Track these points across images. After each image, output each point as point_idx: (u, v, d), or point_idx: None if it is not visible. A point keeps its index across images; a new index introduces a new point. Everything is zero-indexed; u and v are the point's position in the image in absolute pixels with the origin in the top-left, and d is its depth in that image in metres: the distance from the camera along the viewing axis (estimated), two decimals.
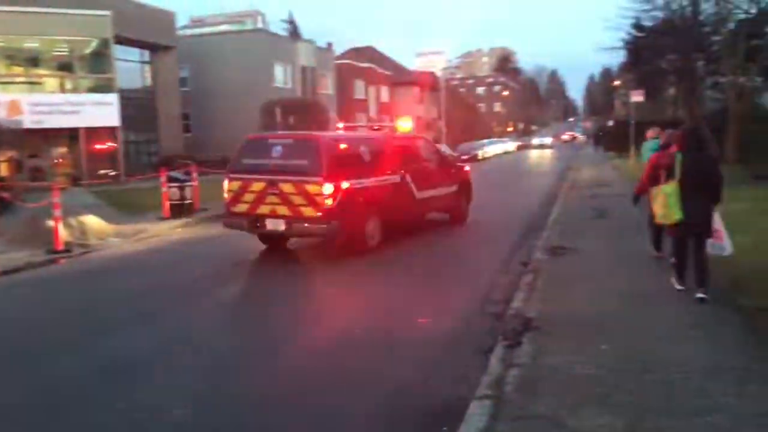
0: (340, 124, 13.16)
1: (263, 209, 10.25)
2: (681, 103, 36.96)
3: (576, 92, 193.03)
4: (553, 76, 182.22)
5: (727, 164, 24.79)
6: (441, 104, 63.23)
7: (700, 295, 6.66)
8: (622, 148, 35.21)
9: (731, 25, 27.72)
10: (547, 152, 59.93)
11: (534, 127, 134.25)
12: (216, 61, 37.77)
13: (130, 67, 31.62)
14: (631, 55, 36.70)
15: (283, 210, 10.09)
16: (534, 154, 55.67)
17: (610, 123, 55.89)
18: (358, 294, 8.20)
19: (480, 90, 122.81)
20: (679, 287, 7.07)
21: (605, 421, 4.07)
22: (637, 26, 35.56)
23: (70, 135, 26.52)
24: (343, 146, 10.69)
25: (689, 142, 6.87)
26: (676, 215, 6.77)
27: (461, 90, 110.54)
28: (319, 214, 9.86)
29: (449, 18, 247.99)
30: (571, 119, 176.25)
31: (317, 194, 9.85)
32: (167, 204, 16.29)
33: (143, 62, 32.93)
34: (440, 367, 5.47)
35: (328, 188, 9.86)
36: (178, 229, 15.03)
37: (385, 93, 59.29)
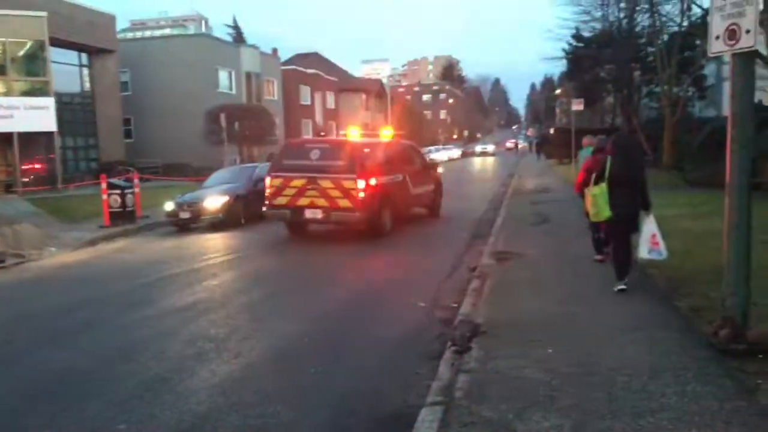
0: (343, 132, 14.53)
1: (303, 201, 12.53)
2: (619, 111, 38.20)
3: (519, 101, 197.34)
4: (497, 85, 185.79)
5: (664, 171, 25.72)
6: (387, 111, 63.57)
7: (620, 286, 7.33)
8: (564, 155, 36.08)
9: (665, 38, 28.87)
10: (490, 160, 60.58)
11: (478, 135, 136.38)
12: (158, 66, 36.95)
13: (68, 70, 30.62)
14: (572, 65, 37.76)
15: (321, 202, 12.41)
16: (477, 162, 56.27)
17: (552, 131, 57.26)
18: (302, 298, 8.13)
19: (426, 97, 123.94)
20: (619, 287, 7.37)
21: (552, 423, 4.13)
22: (577, 37, 36.68)
23: (3, 140, 25.45)
24: (367, 150, 13.16)
25: (617, 148, 7.52)
26: (605, 213, 7.44)
27: (407, 97, 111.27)
28: (353, 205, 12.24)
29: (394, 26, 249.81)
30: (514, 127, 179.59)
31: (352, 189, 12.23)
32: (108, 212, 15.81)
33: (82, 65, 31.94)
34: (390, 373, 5.45)
35: (360, 184, 12.25)
36: (119, 238, 14.61)
37: (330, 99, 59.20)
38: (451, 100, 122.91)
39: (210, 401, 4.94)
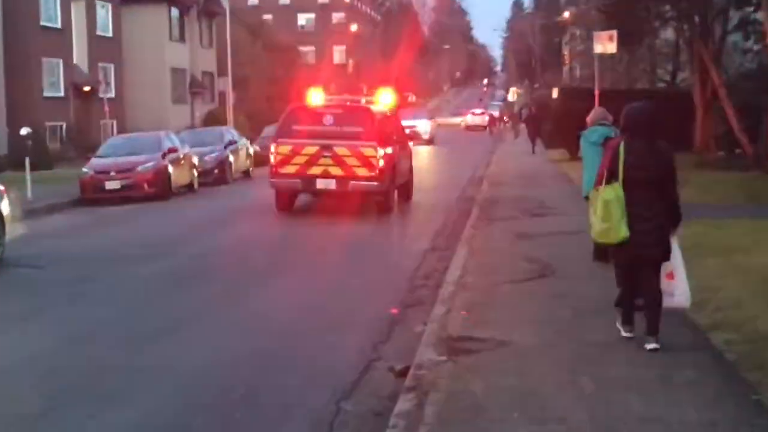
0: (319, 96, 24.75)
1: (315, 170, 21.54)
2: (686, 57, 39.52)
3: (490, 34, 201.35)
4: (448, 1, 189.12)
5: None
6: (225, 46, 63.20)
7: (651, 345, 9.12)
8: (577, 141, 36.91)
9: None
10: (424, 154, 58.76)
11: (412, 97, 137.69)
12: None
13: None
14: None
15: (336, 171, 21.43)
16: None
17: (555, 93, 58.44)
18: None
19: (304, 20, 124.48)
20: (625, 334, 9.52)
21: None
22: None
23: None
24: (380, 118, 22.74)
25: (632, 124, 9.16)
26: (620, 233, 8.96)
27: (266, 18, 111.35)
28: (372, 174, 21.30)
29: None
30: (483, 83, 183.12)
31: (372, 156, 21.27)
32: None
33: None
34: None
35: (381, 152, 21.36)
36: None
37: (104, 17, 58.38)
38: (354, 27, 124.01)
39: None
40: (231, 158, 36.02)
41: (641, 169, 8.90)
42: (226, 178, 35.38)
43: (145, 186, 28.64)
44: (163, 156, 30.11)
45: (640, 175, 8.89)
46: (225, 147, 35.87)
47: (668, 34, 43.11)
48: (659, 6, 37.88)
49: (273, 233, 20.92)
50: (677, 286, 9.23)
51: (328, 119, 21.51)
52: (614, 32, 34.28)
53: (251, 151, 40.51)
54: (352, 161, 20.91)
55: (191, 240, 20.03)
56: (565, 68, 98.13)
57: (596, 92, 33.35)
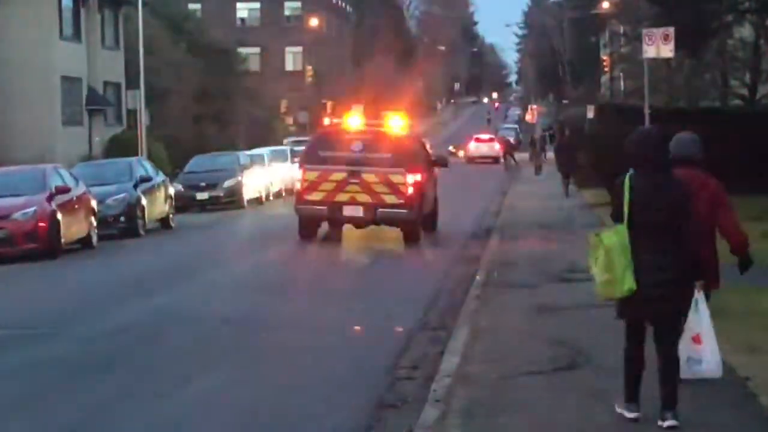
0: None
1: (342, 197, 30.22)
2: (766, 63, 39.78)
3: (500, 32, 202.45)
4: None
5: None
6: (136, 47, 63.50)
7: (669, 423, 9.75)
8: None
9: None
10: None
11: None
12: None
13: None
14: None
15: (363, 198, 30.21)
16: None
17: (590, 112, 58.64)
18: None
19: (245, 13, 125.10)
20: (628, 414, 10.16)
21: None
22: None
23: None
24: (409, 142, 33.83)
25: (634, 153, 9.95)
26: (624, 284, 9.68)
27: (193, 10, 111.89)
28: (402, 201, 29.92)
29: None
30: (492, 99, 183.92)
31: (401, 184, 29.98)
32: None
33: None
34: None
35: (410, 178, 30.09)
36: None
37: None
38: (314, 22, 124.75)
39: None
40: (144, 201, 36.07)
41: (646, 210, 9.68)
42: (137, 229, 35.49)
43: (24, 240, 28.51)
44: (50, 198, 29.91)
45: (646, 217, 9.69)
46: (135, 186, 35.96)
47: (745, 32, 43.45)
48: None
49: (204, 303, 20.69)
50: (706, 352, 9.98)
51: (356, 145, 29.09)
52: (671, 30, 34.49)
53: (171, 191, 40.69)
54: (380, 188, 28.33)
55: (85, 316, 19.78)
56: (604, 78, 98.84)
57: (646, 111, 33.51)
